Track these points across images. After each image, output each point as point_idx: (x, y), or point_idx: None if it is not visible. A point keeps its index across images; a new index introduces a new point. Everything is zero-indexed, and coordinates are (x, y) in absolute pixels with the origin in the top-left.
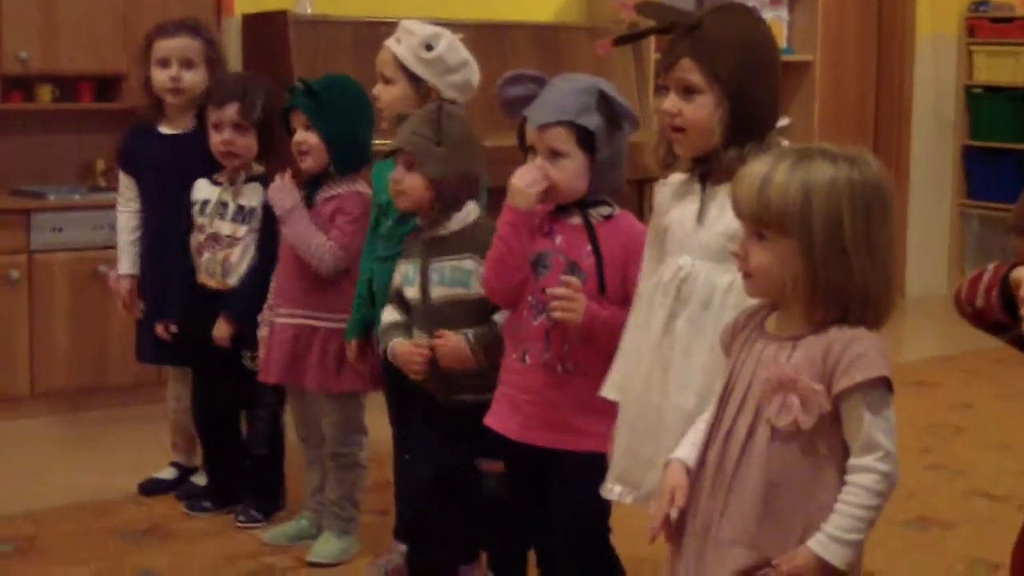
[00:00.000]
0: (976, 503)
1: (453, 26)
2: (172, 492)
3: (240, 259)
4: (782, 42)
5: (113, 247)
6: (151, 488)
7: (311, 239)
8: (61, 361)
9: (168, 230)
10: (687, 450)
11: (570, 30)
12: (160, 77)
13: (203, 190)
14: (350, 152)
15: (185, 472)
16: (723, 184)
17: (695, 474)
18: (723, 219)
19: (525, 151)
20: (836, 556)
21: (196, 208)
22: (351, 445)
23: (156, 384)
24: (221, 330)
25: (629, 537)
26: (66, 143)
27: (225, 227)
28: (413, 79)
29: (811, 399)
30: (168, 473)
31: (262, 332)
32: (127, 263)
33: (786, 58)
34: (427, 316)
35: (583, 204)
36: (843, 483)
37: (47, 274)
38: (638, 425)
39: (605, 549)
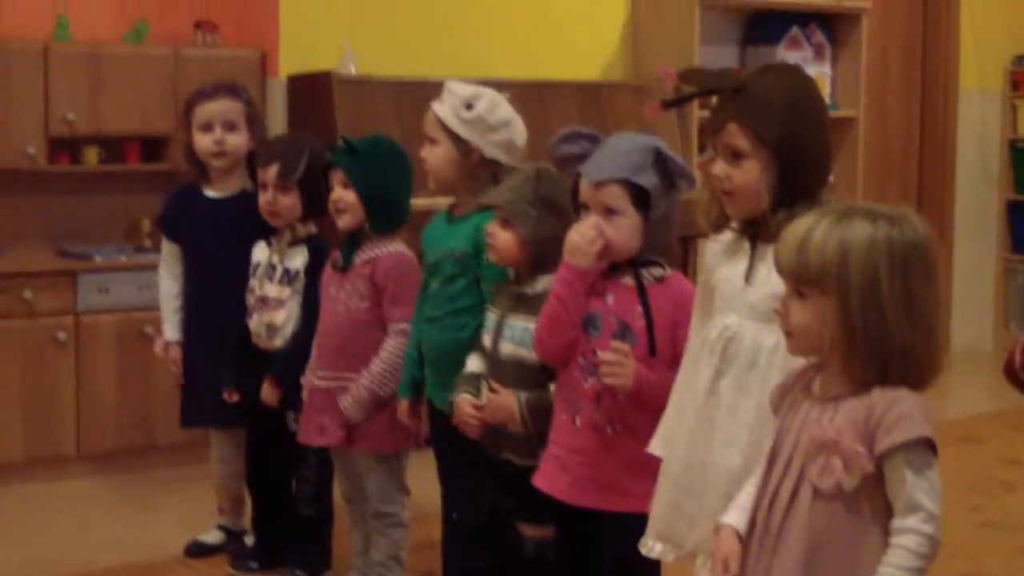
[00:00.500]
0: None
1: (498, 85)
2: (217, 554)
3: (285, 321)
4: (825, 98)
5: (159, 308)
6: (197, 551)
7: (381, 380)
8: (108, 422)
9: (216, 294)
10: (737, 514)
11: (614, 88)
12: (204, 141)
13: (258, 252)
14: (387, 211)
15: (231, 535)
16: (772, 244)
17: (746, 538)
18: (771, 279)
19: (578, 209)
20: None
21: (252, 270)
22: (393, 504)
23: (203, 444)
24: (267, 394)
25: None
26: (112, 204)
27: (272, 289)
28: (456, 139)
29: (853, 461)
30: (214, 537)
31: (304, 394)
32: (172, 330)
33: (829, 114)
34: (493, 368)
35: (635, 264)
36: (887, 544)
37: (94, 335)
38: (682, 482)
39: None
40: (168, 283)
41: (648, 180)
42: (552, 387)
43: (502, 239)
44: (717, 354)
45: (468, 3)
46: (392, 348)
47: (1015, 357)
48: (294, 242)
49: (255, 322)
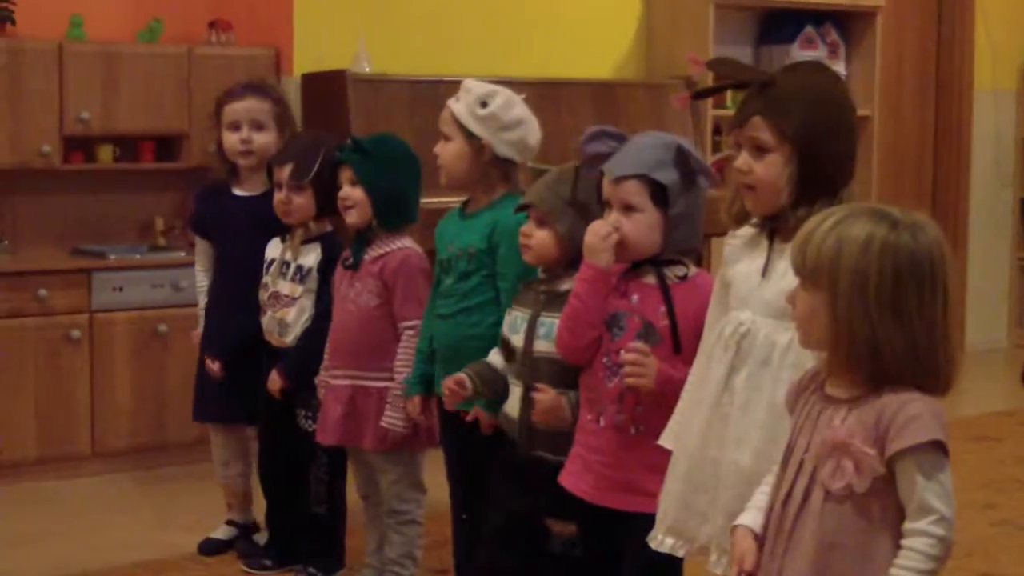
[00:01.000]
0: None
1: (513, 84)
2: (229, 550)
3: (296, 319)
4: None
5: (173, 306)
6: (209, 548)
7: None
8: (122, 420)
9: (241, 290)
10: (753, 515)
11: (629, 87)
12: (231, 140)
13: (272, 249)
14: (394, 209)
15: (241, 529)
16: (790, 242)
17: (762, 538)
18: (788, 277)
19: (603, 207)
20: None
21: (265, 267)
22: (409, 503)
23: None
24: (273, 383)
25: None
26: (127, 203)
27: (285, 287)
28: (469, 136)
29: (864, 463)
30: (224, 532)
31: (320, 393)
32: None
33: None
34: (526, 367)
35: (658, 263)
36: (899, 546)
37: (108, 333)
38: (694, 477)
39: None
40: (203, 277)
41: (667, 176)
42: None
43: (539, 238)
44: (731, 350)
45: (482, 2)
46: (408, 350)
47: None
48: (307, 240)
49: (267, 318)
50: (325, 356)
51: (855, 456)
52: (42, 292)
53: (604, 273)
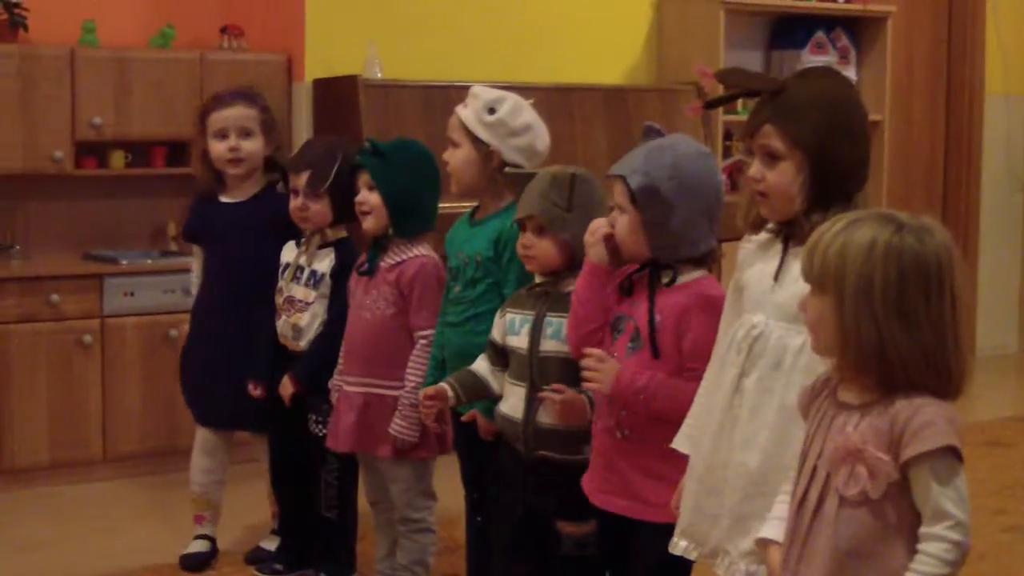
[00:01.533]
0: None
1: (523, 90)
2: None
3: (309, 324)
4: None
5: (184, 311)
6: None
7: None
8: (133, 425)
9: (231, 295)
10: (775, 527)
11: (640, 92)
12: (219, 148)
13: (287, 253)
14: (411, 216)
15: (214, 544)
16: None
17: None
18: (800, 281)
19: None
20: None
21: (281, 270)
22: (421, 511)
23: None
24: (284, 388)
25: None
26: (138, 208)
27: (299, 291)
28: (477, 142)
29: (878, 469)
30: (201, 546)
31: (332, 397)
32: None
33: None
34: (531, 367)
35: (652, 266)
36: (913, 552)
37: (119, 338)
38: (706, 481)
39: None
40: (199, 284)
41: (635, 180)
42: None
43: (541, 248)
44: (743, 353)
45: (494, 7)
46: (420, 358)
47: None
48: (323, 245)
49: (282, 323)
50: (340, 360)
51: (869, 462)
52: (54, 297)
53: (597, 267)
